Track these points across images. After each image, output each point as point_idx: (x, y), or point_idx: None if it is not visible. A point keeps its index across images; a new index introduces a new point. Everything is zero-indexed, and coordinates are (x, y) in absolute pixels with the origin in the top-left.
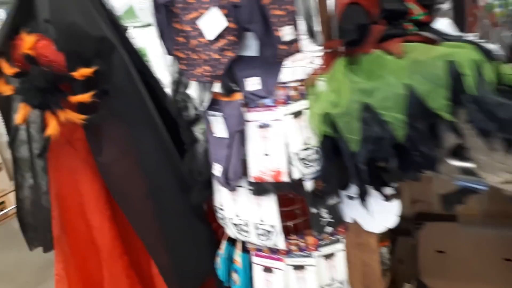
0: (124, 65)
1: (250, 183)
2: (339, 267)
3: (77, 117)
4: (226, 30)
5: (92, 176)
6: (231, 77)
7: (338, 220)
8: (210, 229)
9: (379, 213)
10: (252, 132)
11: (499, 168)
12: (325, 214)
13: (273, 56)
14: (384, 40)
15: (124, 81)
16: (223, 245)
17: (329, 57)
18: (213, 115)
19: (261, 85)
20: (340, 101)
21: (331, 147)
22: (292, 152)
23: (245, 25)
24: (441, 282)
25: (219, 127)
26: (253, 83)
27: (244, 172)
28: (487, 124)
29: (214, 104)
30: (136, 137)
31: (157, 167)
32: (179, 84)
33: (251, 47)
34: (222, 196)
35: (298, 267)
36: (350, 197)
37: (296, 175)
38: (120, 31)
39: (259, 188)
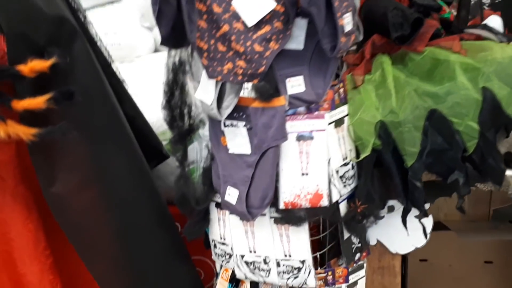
0: (89, 59)
1: (279, 211)
2: None
3: (25, 132)
4: (273, 14)
5: (26, 213)
6: (270, 76)
7: (365, 244)
8: (195, 272)
9: (409, 231)
10: (288, 146)
11: None
12: (354, 239)
13: (333, 50)
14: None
15: (89, 80)
16: None
17: (371, 54)
18: (233, 126)
19: (305, 86)
20: (399, 107)
21: (374, 161)
22: (333, 169)
23: (304, 7)
24: None
25: (239, 141)
26: (295, 84)
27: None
28: None
29: (236, 112)
30: (104, 159)
31: (130, 197)
32: (174, 84)
33: (297, 38)
34: (227, 228)
35: None
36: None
37: (335, 197)
38: (77, 13)
39: (291, 216)
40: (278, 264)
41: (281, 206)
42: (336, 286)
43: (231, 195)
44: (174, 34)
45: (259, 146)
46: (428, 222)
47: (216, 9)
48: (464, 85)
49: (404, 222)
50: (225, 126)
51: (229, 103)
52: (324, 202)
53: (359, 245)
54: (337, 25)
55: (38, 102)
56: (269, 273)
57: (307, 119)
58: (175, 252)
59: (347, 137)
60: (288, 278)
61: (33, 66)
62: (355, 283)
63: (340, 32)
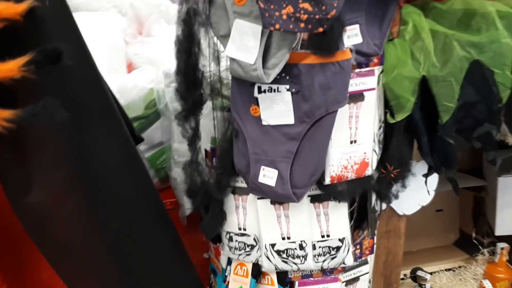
0: (68, 13)
1: (322, 187)
2: None
3: None
4: None
5: None
6: (336, 23)
7: (380, 211)
8: (197, 275)
9: (413, 191)
10: (339, 111)
11: None
12: (377, 207)
13: None
14: None
15: (71, 36)
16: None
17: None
18: (271, 91)
19: (362, 37)
20: (441, 59)
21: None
22: (375, 133)
23: None
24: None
25: (279, 109)
26: (352, 34)
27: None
28: None
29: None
30: (95, 148)
31: (127, 197)
32: (191, 41)
33: None
34: (248, 216)
35: (351, 281)
36: None
37: (375, 164)
38: None
39: (334, 192)
40: (313, 247)
41: (327, 181)
42: (364, 258)
43: (269, 176)
44: None
45: (310, 113)
46: (434, 179)
47: None
48: (505, 34)
49: (426, 181)
50: (260, 92)
51: (279, 60)
52: (369, 171)
53: (379, 213)
54: None
55: (9, 68)
56: (305, 259)
57: (358, 77)
58: (177, 258)
59: (382, 96)
60: (324, 261)
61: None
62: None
63: None
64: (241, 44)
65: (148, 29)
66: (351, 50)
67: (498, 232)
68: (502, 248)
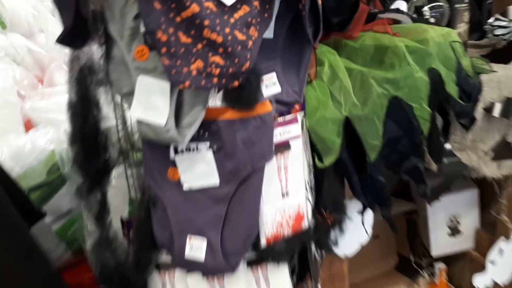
0: None
1: (258, 251)
2: None
3: None
4: None
5: None
6: (252, 74)
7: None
8: None
9: (351, 232)
10: (266, 165)
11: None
12: (318, 257)
13: (315, 36)
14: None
15: None
16: None
17: None
18: (190, 151)
19: (279, 84)
20: (361, 98)
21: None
22: (306, 181)
23: None
24: None
25: (200, 170)
26: (270, 83)
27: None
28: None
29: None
30: None
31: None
32: (87, 103)
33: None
34: None
35: None
36: None
37: (310, 213)
38: None
39: (272, 253)
40: None
41: (263, 243)
42: None
43: (197, 247)
44: (82, 24)
45: (236, 171)
46: (369, 216)
47: None
48: (416, 68)
49: (362, 221)
50: (177, 153)
51: (194, 119)
52: (305, 223)
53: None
54: (318, 5)
55: None
56: None
57: (281, 126)
58: None
59: (308, 140)
60: None
61: None
62: None
63: (320, 12)
64: (148, 104)
65: (49, 77)
66: (270, 101)
67: (434, 252)
68: (440, 269)
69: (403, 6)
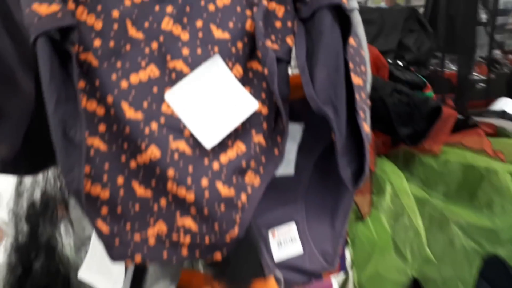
0: None
1: None
2: None
3: None
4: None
5: None
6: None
7: None
8: None
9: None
10: None
11: None
12: None
13: (356, 179)
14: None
15: None
16: None
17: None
18: None
19: (302, 243)
20: (436, 251)
21: None
22: None
23: (318, 107)
24: None
25: None
26: (285, 239)
27: None
28: None
29: None
30: None
31: None
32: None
33: (285, 157)
34: None
35: None
36: None
37: None
38: None
39: None
40: None
41: None
42: None
43: None
44: (28, 147)
45: None
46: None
47: (128, 112)
48: None
49: None
50: None
51: None
52: None
53: None
54: (362, 132)
55: None
56: None
57: None
58: None
59: None
60: None
61: None
62: None
63: (367, 143)
64: (101, 265)
65: None
66: (277, 279)
67: None
68: None
69: (507, 104)
